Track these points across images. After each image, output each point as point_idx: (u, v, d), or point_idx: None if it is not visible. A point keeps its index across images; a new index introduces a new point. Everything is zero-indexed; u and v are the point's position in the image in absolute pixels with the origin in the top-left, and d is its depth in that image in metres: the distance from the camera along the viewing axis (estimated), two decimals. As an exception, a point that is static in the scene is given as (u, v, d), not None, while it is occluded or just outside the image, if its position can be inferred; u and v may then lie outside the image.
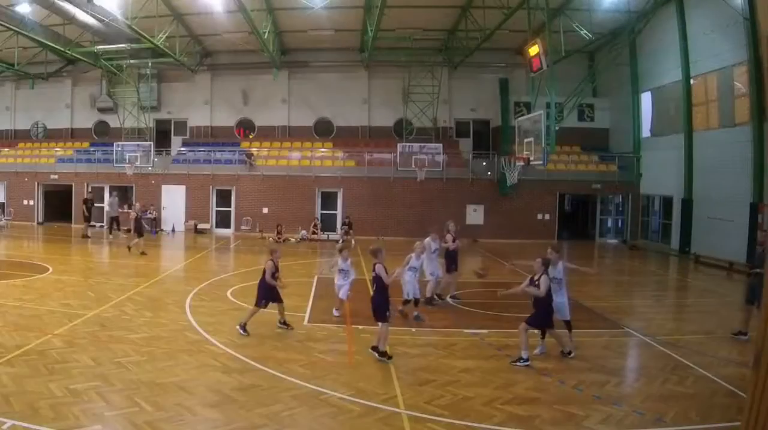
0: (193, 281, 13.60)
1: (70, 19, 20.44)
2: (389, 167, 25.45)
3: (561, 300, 8.25)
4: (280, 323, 9.28)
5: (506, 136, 26.44)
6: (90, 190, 25.98)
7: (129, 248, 17.97)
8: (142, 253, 17.63)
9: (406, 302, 10.17)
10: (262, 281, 8.99)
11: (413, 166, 24.46)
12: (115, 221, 22.31)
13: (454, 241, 11.88)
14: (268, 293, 8.96)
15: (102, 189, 26.93)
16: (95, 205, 24.92)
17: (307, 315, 10.38)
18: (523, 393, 6.72)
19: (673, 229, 22.27)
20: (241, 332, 8.81)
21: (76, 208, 27.06)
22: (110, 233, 22.11)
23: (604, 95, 28.15)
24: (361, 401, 6.31)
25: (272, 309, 9.32)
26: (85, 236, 22.19)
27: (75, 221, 26.87)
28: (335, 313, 10.27)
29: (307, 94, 29.75)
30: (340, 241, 23.90)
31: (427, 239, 11.39)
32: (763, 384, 4.35)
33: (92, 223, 23.74)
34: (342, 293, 10.16)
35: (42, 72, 28.11)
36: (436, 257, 11.57)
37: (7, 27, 20.29)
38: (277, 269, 9.02)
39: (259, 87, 29.61)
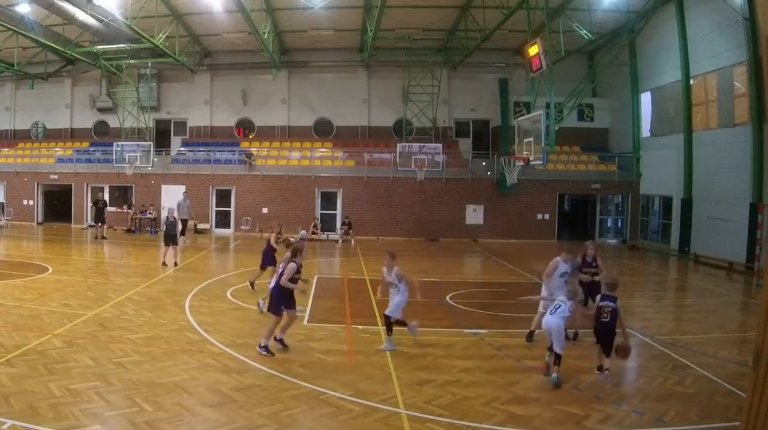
0: (192, 281, 13.59)
1: (70, 19, 20.42)
2: (389, 167, 25.44)
3: (399, 299, 8.35)
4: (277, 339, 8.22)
5: (506, 136, 26.45)
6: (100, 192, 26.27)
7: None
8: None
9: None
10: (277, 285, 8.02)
11: (413, 166, 24.45)
12: (183, 225, 22.12)
13: (590, 265, 9.36)
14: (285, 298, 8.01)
15: (102, 189, 26.96)
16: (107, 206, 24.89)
17: (306, 315, 10.35)
18: (523, 393, 6.72)
19: (673, 229, 22.28)
20: (264, 352, 7.79)
21: (76, 208, 27.11)
22: (182, 236, 21.86)
23: (604, 95, 28.15)
24: (361, 401, 6.31)
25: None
26: (102, 238, 22.23)
27: (75, 221, 26.91)
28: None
29: (307, 94, 29.75)
30: (340, 241, 23.95)
31: (557, 259, 8.85)
32: (762, 384, 4.36)
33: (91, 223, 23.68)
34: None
35: (42, 72, 28.09)
36: (565, 283, 8.59)
37: (7, 27, 20.27)
38: (299, 271, 8.10)
39: (259, 87, 29.60)
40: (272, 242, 11.81)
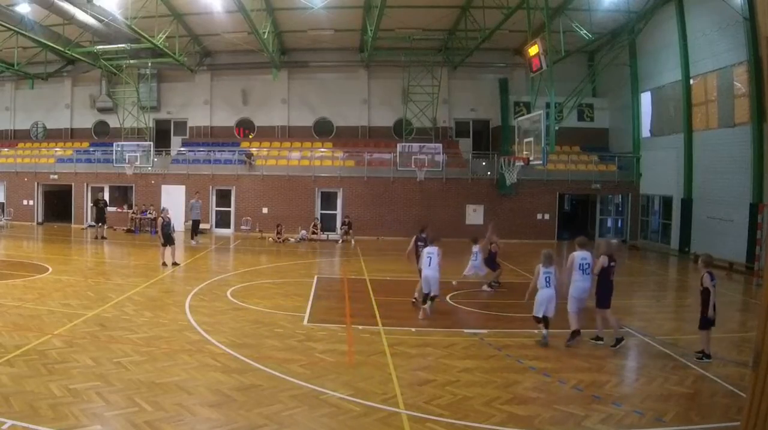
0: (193, 281, 13.60)
1: (70, 19, 20.40)
2: (389, 167, 25.43)
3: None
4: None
5: (506, 136, 26.44)
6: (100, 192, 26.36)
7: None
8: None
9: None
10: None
11: (413, 166, 24.43)
12: (196, 225, 22.07)
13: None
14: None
15: (102, 189, 26.96)
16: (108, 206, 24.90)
17: (306, 315, 10.36)
18: (523, 393, 6.72)
19: (673, 229, 22.27)
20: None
21: (76, 208, 27.11)
22: (192, 237, 21.79)
23: (604, 95, 28.15)
24: (361, 401, 6.31)
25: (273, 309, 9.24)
26: (102, 238, 22.18)
27: (75, 221, 26.91)
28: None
29: (307, 94, 29.75)
30: (340, 241, 23.95)
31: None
32: (762, 384, 4.35)
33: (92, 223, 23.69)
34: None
35: (42, 72, 28.09)
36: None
37: (7, 27, 20.27)
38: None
39: (259, 87, 29.60)
40: (493, 249, 13.86)
